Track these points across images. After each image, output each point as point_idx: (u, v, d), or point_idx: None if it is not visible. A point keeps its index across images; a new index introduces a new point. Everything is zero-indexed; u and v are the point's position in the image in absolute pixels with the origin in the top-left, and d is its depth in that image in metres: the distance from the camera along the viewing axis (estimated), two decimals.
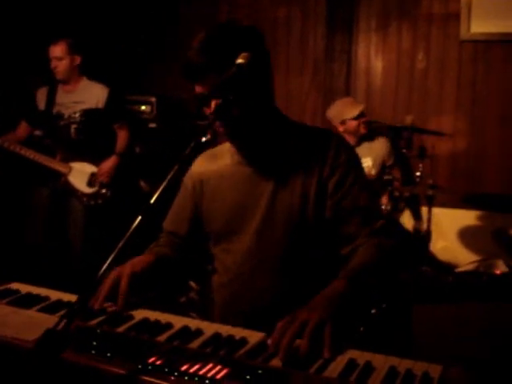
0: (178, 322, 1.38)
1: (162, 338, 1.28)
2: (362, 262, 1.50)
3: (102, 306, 1.45)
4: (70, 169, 3.87)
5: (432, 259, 4.12)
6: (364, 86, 4.75)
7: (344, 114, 3.99)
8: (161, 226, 1.85)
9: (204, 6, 5.12)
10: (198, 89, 1.50)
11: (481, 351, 2.38)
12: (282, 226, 1.59)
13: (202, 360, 1.15)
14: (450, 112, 4.44)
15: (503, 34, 4.21)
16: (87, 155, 3.93)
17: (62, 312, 1.42)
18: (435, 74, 4.51)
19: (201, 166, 1.77)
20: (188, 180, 1.78)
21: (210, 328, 1.34)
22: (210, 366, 1.13)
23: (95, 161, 3.94)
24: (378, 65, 4.70)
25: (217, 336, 1.30)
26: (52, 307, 1.46)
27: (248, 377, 1.08)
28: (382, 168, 4.00)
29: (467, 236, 4.36)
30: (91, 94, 3.91)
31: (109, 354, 1.17)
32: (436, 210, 3.89)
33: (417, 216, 4.40)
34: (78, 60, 3.87)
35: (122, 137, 4.02)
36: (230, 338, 1.29)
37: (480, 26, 4.26)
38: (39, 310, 1.44)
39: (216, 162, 1.75)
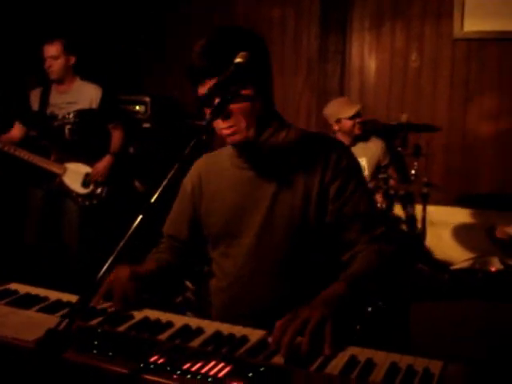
0: (179, 320, 1.38)
1: (163, 336, 1.29)
2: (361, 266, 1.51)
3: (102, 306, 1.45)
4: (65, 169, 3.86)
5: (427, 257, 4.13)
6: (358, 86, 4.77)
7: (340, 113, 4.01)
8: (160, 228, 1.85)
9: (199, 6, 5.12)
10: (201, 91, 1.51)
11: (478, 349, 2.39)
12: (282, 229, 1.58)
13: (203, 358, 1.15)
14: (443, 111, 4.45)
15: (496, 32, 4.23)
16: (81, 156, 3.92)
17: (62, 312, 1.43)
18: (429, 72, 4.52)
19: (200, 168, 1.77)
20: (187, 183, 1.78)
21: (210, 326, 1.34)
22: (212, 364, 1.13)
23: (90, 161, 3.93)
24: (371, 64, 4.72)
25: (218, 334, 1.30)
26: (51, 307, 1.46)
27: (250, 374, 1.08)
28: (377, 168, 4.02)
29: (462, 234, 4.38)
30: (85, 95, 3.90)
31: (110, 354, 1.17)
32: (431, 208, 3.90)
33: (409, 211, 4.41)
34: (72, 60, 3.86)
35: (116, 137, 4.01)
36: (231, 336, 1.29)
37: (473, 24, 4.28)
38: (38, 311, 1.44)
39: (216, 165, 1.75)
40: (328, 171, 1.57)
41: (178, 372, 1.09)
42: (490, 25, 4.23)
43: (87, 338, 1.24)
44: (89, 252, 3.88)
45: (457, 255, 4.16)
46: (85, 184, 3.89)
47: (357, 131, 4.00)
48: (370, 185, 3.70)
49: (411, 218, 4.30)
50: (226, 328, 1.34)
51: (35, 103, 3.91)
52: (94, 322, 1.37)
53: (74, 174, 3.88)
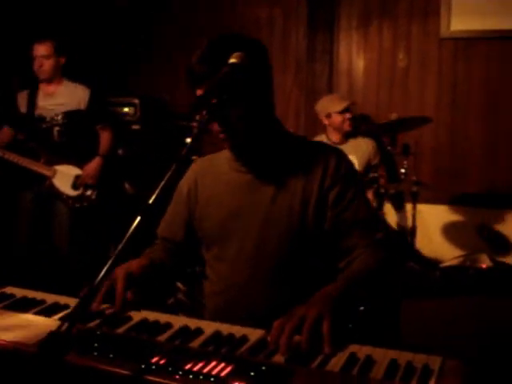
0: (177, 321, 1.38)
1: (163, 337, 1.29)
2: (358, 269, 1.52)
3: (100, 308, 1.45)
4: (55, 172, 3.85)
5: (417, 255, 4.16)
6: (346, 85, 4.79)
7: (330, 107, 4.06)
8: (155, 230, 1.85)
9: (186, 7, 5.12)
10: (199, 93, 1.51)
11: (469, 346, 2.42)
12: (280, 234, 1.58)
13: (204, 358, 1.15)
14: (431, 109, 4.48)
15: (483, 31, 4.27)
16: (71, 157, 3.90)
17: (60, 315, 1.43)
18: (416, 71, 4.56)
19: (197, 171, 1.77)
20: (183, 185, 1.77)
21: (209, 327, 1.35)
22: (214, 364, 1.13)
23: (79, 163, 3.91)
24: (359, 64, 4.74)
25: (217, 334, 1.31)
26: (49, 310, 1.46)
27: (252, 373, 1.09)
28: (367, 167, 4.04)
29: (451, 232, 4.42)
30: (72, 96, 3.89)
31: (111, 356, 1.17)
32: (420, 207, 3.93)
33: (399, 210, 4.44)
34: (62, 61, 3.87)
35: (105, 138, 4.00)
36: (231, 336, 1.30)
37: (460, 23, 4.32)
38: (37, 313, 1.44)
39: (213, 168, 1.75)
40: (327, 178, 1.58)
41: (180, 372, 1.10)
42: (477, 24, 4.27)
43: (87, 341, 1.23)
44: (79, 254, 3.88)
45: (446, 253, 4.20)
46: (75, 186, 3.87)
47: (346, 127, 4.04)
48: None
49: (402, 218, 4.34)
50: (225, 328, 1.34)
51: (23, 105, 3.89)
52: (92, 324, 1.37)
53: (64, 176, 3.86)
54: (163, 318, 1.41)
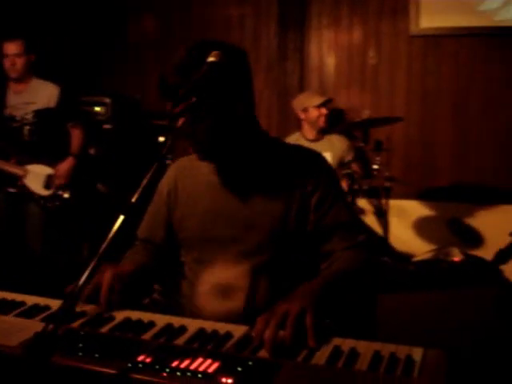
0: (160, 319, 1.39)
1: (147, 336, 1.29)
2: (339, 268, 1.54)
3: (82, 309, 1.44)
4: (26, 171, 3.79)
5: (390, 250, 4.22)
6: (317, 83, 4.83)
7: (307, 101, 4.12)
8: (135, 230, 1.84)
9: (158, 5, 5.10)
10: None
11: (444, 337, 2.47)
12: (261, 237, 1.58)
13: (191, 355, 1.16)
14: (401, 106, 4.55)
15: (452, 28, 4.35)
16: (42, 157, 3.86)
17: (41, 316, 1.41)
18: (386, 69, 4.62)
19: (177, 172, 1.76)
20: (163, 186, 1.76)
21: (193, 324, 1.35)
22: (200, 360, 1.14)
23: (51, 162, 3.86)
24: (330, 61, 4.78)
25: (201, 332, 1.31)
26: (30, 312, 1.44)
27: (240, 369, 1.10)
28: (341, 164, 4.08)
29: (422, 226, 4.49)
30: (42, 94, 3.84)
31: (96, 355, 1.16)
32: (392, 202, 3.99)
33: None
34: (32, 59, 3.82)
35: (76, 136, 3.96)
36: (215, 332, 1.31)
37: (429, 21, 4.39)
38: (17, 315, 1.42)
39: (192, 170, 1.73)
40: (308, 182, 1.59)
41: (167, 370, 1.10)
42: (446, 21, 4.35)
43: (71, 341, 1.23)
44: (52, 254, 3.83)
45: (417, 247, 4.27)
46: (47, 186, 3.83)
47: (321, 123, 4.08)
48: None
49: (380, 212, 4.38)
50: (209, 325, 1.35)
51: None
52: (75, 324, 1.36)
53: (36, 176, 3.81)
54: (146, 316, 1.41)
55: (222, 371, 1.09)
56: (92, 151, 4.51)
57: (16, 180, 3.79)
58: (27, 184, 3.80)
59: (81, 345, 1.21)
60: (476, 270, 2.82)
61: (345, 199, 1.71)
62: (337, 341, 1.25)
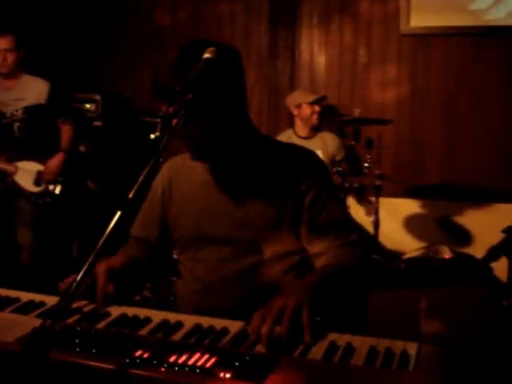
0: (156, 315, 1.39)
1: (144, 331, 1.29)
2: (334, 264, 1.54)
3: (77, 305, 1.44)
4: (16, 168, 3.78)
5: (380, 248, 4.24)
6: (308, 81, 4.84)
7: (301, 98, 4.15)
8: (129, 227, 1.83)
9: (147, 3, 5.09)
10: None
11: (434, 333, 2.49)
12: (255, 236, 1.59)
13: (188, 351, 1.16)
14: (392, 105, 4.58)
15: (442, 27, 4.38)
16: (32, 153, 3.84)
17: (37, 312, 1.41)
18: (377, 67, 4.64)
19: (171, 170, 1.76)
20: (157, 185, 1.76)
21: (189, 320, 1.36)
22: (198, 355, 1.14)
23: (41, 159, 3.85)
24: (321, 60, 4.80)
25: (198, 327, 1.32)
26: (25, 308, 1.44)
27: (237, 363, 1.10)
28: (332, 162, 4.10)
29: (412, 224, 4.52)
30: (32, 90, 3.83)
31: (94, 351, 1.16)
32: (382, 200, 4.01)
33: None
34: (22, 55, 3.80)
35: (66, 132, 3.94)
36: (211, 328, 1.31)
37: (419, 20, 4.42)
38: (12, 312, 1.42)
39: (186, 168, 1.73)
40: (302, 181, 1.59)
41: (165, 365, 1.10)
42: (436, 20, 4.38)
43: (68, 337, 1.23)
44: (43, 250, 3.82)
45: (407, 245, 4.29)
46: (37, 182, 3.81)
47: (314, 120, 4.10)
48: None
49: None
50: (205, 321, 1.35)
51: None
52: (71, 320, 1.36)
53: (26, 173, 3.80)
54: (142, 312, 1.41)
55: (219, 366, 1.10)
56: (82, 148, 4.49)
57: (6, 177, 3.77)
58: (18, 181, 3.78)
59: (77, 341, 1.21)
60: (466, 268, 2.85)
61: (338, 198, 1.72)
62: (333, 336, 1.25)
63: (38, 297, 1.52)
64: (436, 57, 4.47)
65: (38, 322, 1.28)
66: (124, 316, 1.39)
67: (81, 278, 1.11)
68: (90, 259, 1.14)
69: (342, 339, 1.23)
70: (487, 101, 4.41)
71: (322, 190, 1.61)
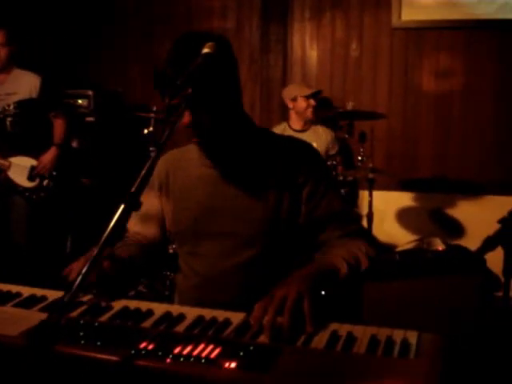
0: (158, 308, 1.40)
1: (147, 324, 1.30)
2: (333, 253, 1.55)
3: (79, 299, 1.45)
4: (10, 164, 3.77)
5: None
6: (300, 75, 4.85)
7: (297, 91, 4.19)
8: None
9: None
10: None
11: (429, 325, 2.51)
12: (254, 229, 1.60)
13: (192, 342, 1.17)
14: (384, 98, 4.60)
15: (433, 21, 4.41)
16: (25, 148, 3.83)
17: (39, 306, 1.42)
18: (368, 61, 4.66)
19: (168, 165, 1.75)
20: (155, 179, 1.75)
21: (191, 312, 1.37)
22: (202, 346, 1.16)
23: (34, 153, 3.84)
24: (313, 54, 4.81)
25: (200, 319, 1.33)
26: (27, 302, 1.45)
27: (241, 353, 1.12)
28: (325, 156, 4.12)
29: (405, 217, 4.56)
30: (23, 84, 3.82)
31: (98, 343, 1.17)
32: (375, 193, 4.03)
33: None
34: (13, 50, 3.79)
35: (58, 126, 3.93)
36: (214, 319, 1.32)
37: (411, 13, 4.45)
38: (15, 306, 1.43)
39: (184, 161, 1.73)
40: (299, 173, 1.60)
41: (171, 356, 1.12)
42: (427, 14, 4.40)
43: (72, 330, 1.24)
44: (37, 245, 3.82)
45: (400, 238, 4.33)
46: (31, 177, 3.80)
47: (309, 114, 4.13)
48: None
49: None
50: (207, 312, 1.36)
51: None
52: (74, 313, 1.37)
53: (19, 168, 3.79)
54: (144, 305, 1.42)
55: (224, 356, 1.11)
56: (75, 144, 4.49)
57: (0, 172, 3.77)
58: (11, 176, 3.77)
59: (82, 333, 1.22)
60: (459, 259, 2.88)
61: (336, 189, 1.73)
62: (334, 325, 1.27)
63: (39, 291, 1.53)
64: (427, 50, 4.50)
65: (40, 316, 1.30)
66: (126, 309, 1.40)
67: (86, 271, 1.12)
68: (96, 253, 1.15)
69: (343, 329, 1.25)
70: (478, 94, 4.44)
71: (320, 181, 1.62)
